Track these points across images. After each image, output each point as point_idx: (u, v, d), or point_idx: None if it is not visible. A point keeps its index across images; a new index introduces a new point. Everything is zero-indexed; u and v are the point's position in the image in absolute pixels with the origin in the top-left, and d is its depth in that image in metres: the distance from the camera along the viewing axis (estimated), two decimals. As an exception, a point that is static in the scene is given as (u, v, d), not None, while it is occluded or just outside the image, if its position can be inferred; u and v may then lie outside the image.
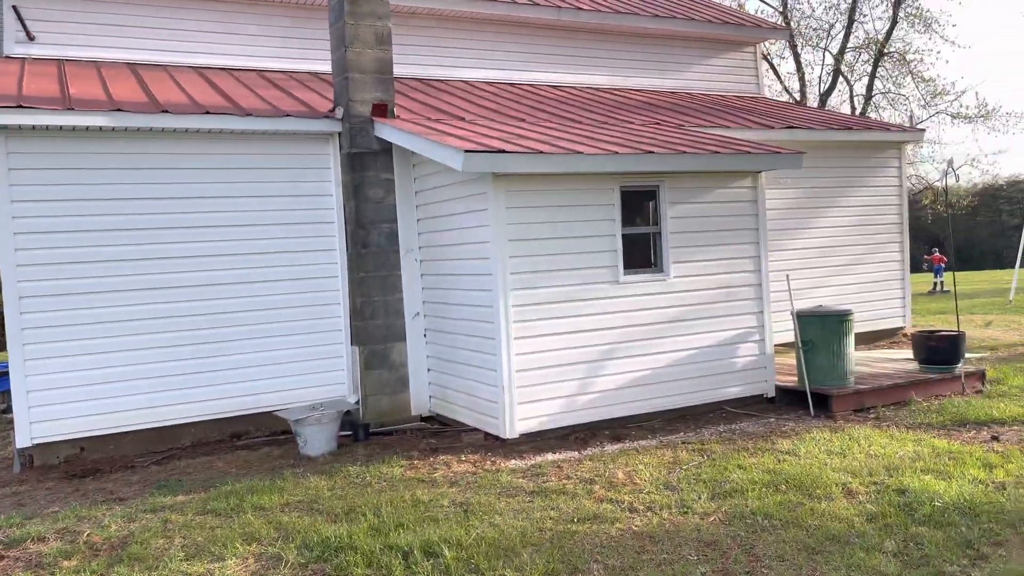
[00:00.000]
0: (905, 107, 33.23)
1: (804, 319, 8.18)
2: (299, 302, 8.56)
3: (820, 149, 11.72)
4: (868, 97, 32.27)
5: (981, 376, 8.86)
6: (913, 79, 31.48)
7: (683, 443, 7.02)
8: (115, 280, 7.75)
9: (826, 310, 8.18)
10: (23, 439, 7.39)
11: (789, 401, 8.32)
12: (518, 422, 7.18)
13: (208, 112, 7.86)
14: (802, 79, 33.79)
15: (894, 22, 30.77)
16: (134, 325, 7.84)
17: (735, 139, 9.12)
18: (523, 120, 9.41)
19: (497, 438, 7.27)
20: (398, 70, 11.60)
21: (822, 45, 33.66)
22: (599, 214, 7.56)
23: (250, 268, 8.33)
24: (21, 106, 7.09)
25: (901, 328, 12.93)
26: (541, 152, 6.88)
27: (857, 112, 32.42)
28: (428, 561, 4.53)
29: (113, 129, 7.59)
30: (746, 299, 8.34)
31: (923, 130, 13.26)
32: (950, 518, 4.84)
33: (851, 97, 33.41)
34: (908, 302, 12.85)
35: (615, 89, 13.16)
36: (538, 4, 12.52)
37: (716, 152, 7.74)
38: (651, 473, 6.07)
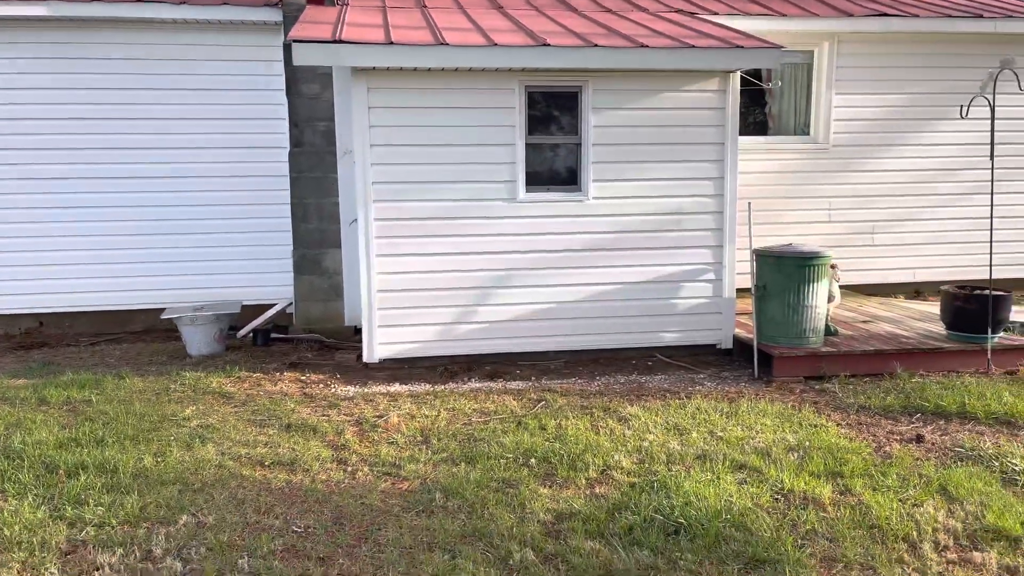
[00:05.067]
0: None
1: (760, 259, 6.60)
2: (252, 199, 8.50)
3: (937, 44, 9.20)
4: None
5: (1032, 353, 6.70)
6: None
7: (547, 390, 6.08)
8: (66, 168, 8.13)
9: (787, 250, 6.51)
10: (-17, 309, 8.18)
11: (748, 356, 6.86)
12: (379, 346, 6.62)
13: (141, 0, 7.78)
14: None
15: None
16: (87, 212, 8.24)
17: (738, 32, 7.36)
18: (499, 8, 8.31)
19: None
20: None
21: None
22: (494, 119, 6.51)
23: (201, 163, 8.37)
24: (-38, -3, 7.46)
25: (1039, 279, 10.18)
26: (393, 43, 5.97)
27: None
28: (71, 479, 4.30)
29: (52, 18, 7.77)
30: (700, 229, 6.89)
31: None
32: (649, 537, 3.67)
33: None
34: (1058, 247, 10.01)
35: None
36: None
37: (643, 46, 6.26)
38: (428, 422, 5.31)
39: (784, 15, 8.81)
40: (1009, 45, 9.30)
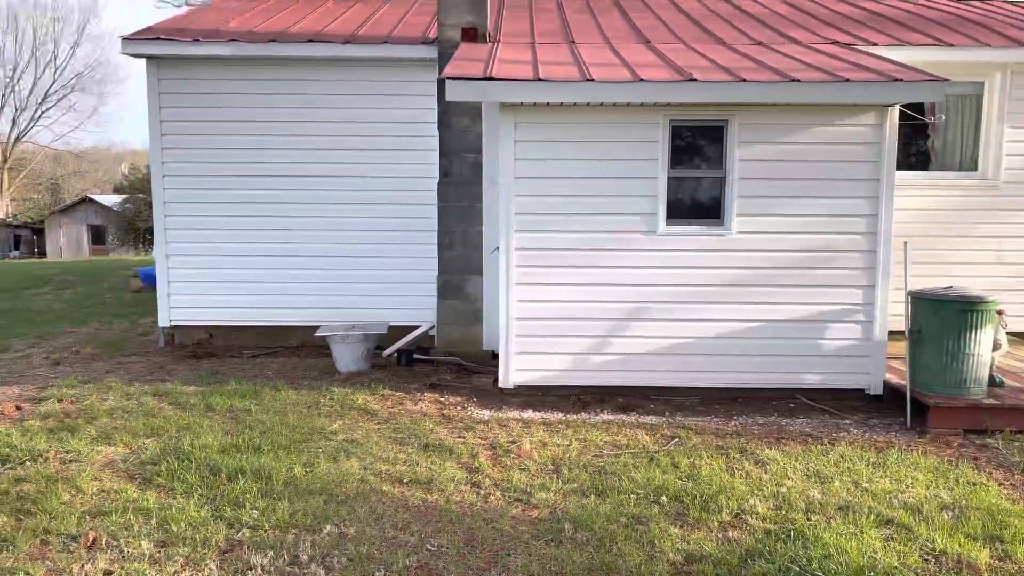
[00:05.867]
0: None
1: (916, 302, 6.25)
2: (401, 226, 8.93)
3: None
4: None
5: None
6: None
7: (681, 427, 6.01)
8: (242, 193, 8.87)
9: (947, 293, 6.13)
10: (163, 320, 9.00)
11: (900, 403, 6.50)
12: (514, 372, 6.77)
13: (311, 40, 8.42)
14: None
15: None
16: (256, 235, 8.94)
17: (897, 64, 7.07)
18: (646, 42, 8.37)
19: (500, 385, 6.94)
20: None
21: None
22: (636, 152, 6.55)
23: (356, 191, 8.89)
24: (159, 38, 8.35)
25: None
26: (540, 80, 6.15)
27: None
28: (231, 483, 4.68)
29: (234, 58, 8.54)
30: (850, 268, 6.62)
31: None
32: (779, 590, 3.56)
33: None
34: None
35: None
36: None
37: (794, 80, 6.13)
38: (559, 451, 5.37)
39: (952, 45, 8.35)
40: None
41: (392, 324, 8.60)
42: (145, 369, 7.85)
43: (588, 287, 6.65)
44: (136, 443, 5.43)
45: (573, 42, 8.40)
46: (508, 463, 5.15)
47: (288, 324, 9.06)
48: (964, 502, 4.54)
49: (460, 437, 5.67)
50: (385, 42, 8.44)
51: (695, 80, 6.15)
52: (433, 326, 8.60)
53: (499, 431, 5.83)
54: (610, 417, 6.28)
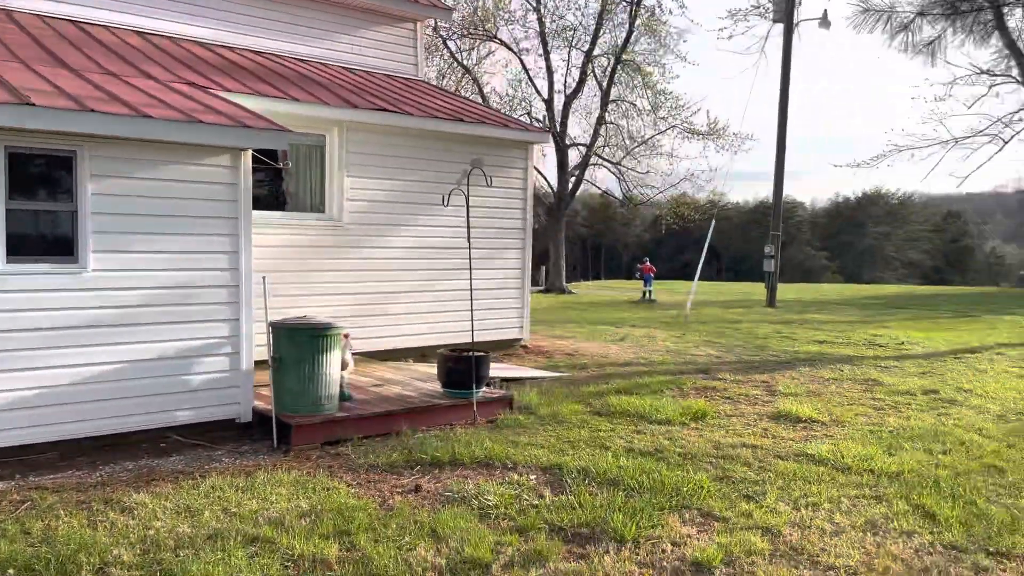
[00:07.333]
0: (640, 117, 33.74)
1: (276, 332, 6.78)
2: None
3: (431, 140, 10.59)
4: (604, 104, 32.21)
5: (508, 402, 7.95)
6: (646, 89, 31.99)
7: (35, 488, 5.36)
8: None
9: (301, 322, 6.82)
10: None
11: (269, 428, 6.88)
12: None
13: None
14: (550, 77, 33.19)
15: (631, 30, 30.96)
16: None
17: (250, 112, 7.56)
18: (-24, 55, 7.30)
19: None
20: None
21: (571, 46, 33.13)
22: (-36, 180, 5.66)
23: None
24: None
25: (519, 340, 12.18)
26: None
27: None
28: None
29: None
30: (214, 303, 6.81)
31: (548, 130, 12.56)
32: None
33: (603, 102, 32.70)
34: (527, 312, 12.14)
35: (222, 46, 11.26)
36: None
37: (147, 116, 6.09)
38: None
39: (296, 99, 9.33)
40: (484, 145, 11.18)
41: None
42: None
43: (-99, 340, 5.47)
44: None
45: None
46: None
47: None
48: (319, 507, 5.09)
49: None
50: None
51: (33, 105, 5.62)
52: None
53: None
54: (-61, 493, 5.26)
